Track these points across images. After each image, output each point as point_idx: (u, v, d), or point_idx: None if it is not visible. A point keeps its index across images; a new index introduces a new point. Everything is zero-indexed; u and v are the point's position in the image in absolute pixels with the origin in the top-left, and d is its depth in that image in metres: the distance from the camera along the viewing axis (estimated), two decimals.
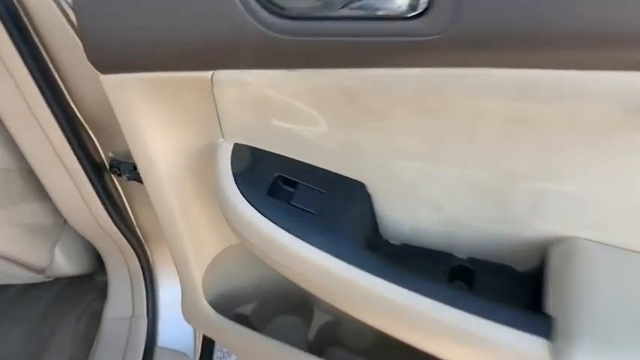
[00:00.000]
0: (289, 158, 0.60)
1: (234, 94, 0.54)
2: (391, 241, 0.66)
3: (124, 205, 0.94)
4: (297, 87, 0.51)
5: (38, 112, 0.73)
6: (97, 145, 0.85)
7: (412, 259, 0.64)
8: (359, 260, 0.53)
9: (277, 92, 0.53)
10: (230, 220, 0.60)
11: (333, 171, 0.60)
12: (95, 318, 1.09)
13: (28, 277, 1.02)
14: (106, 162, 0.87)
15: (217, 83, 0.52)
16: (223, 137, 0.61)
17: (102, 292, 1.11)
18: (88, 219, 0.90)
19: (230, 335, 0.84)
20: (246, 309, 0.94)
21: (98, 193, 0.85)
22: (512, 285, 0.60)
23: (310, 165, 0.60)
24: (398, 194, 0.59)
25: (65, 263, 1.03)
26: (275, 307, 0.89)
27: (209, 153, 0.62)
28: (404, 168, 0.56)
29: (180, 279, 0.80)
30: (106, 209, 0.87)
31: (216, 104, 0.56)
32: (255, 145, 0.60)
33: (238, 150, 0.60)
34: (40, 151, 0.79)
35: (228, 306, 0.90)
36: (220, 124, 0.59)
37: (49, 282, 1.09)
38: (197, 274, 0.78)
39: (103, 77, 0.54)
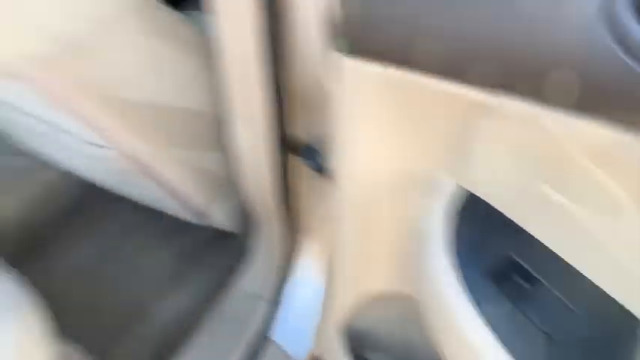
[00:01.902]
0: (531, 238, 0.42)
1: (510, 135, 0.38)
2: None
3: (293, 188, 0.85)
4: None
5: (252, 70, 0.65)
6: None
7: None
8: None
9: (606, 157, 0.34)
10: (422, 291, 0.45)
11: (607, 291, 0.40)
12: (222, 279, 1.07)
13: (185, 215, 1.02)
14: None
15: (498, 114, 0.36)
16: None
17: (240, 255, 1.06)
18: (262, 186, 0.83)
19: None
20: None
21: (282, 169, 0.77)
22: None
23: (562, 262, 0.41)
24: None
25: (221, 215, 1.02)
26: None
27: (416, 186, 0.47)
28: None
29: (323, 302, 0.69)
30: (282, 187, 0.80)
31: (473, 137, 0.41)
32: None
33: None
34: (239, 102, 0.72)
35: (361, 346, 0.77)
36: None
37: (200, 226, 1.08)
38: (343, 304, 0.66)
39: (346, 59, 0.43)
